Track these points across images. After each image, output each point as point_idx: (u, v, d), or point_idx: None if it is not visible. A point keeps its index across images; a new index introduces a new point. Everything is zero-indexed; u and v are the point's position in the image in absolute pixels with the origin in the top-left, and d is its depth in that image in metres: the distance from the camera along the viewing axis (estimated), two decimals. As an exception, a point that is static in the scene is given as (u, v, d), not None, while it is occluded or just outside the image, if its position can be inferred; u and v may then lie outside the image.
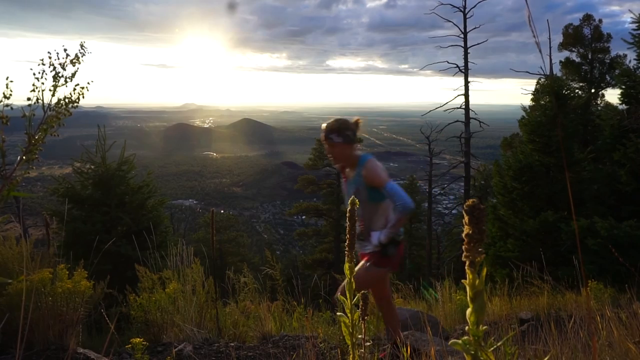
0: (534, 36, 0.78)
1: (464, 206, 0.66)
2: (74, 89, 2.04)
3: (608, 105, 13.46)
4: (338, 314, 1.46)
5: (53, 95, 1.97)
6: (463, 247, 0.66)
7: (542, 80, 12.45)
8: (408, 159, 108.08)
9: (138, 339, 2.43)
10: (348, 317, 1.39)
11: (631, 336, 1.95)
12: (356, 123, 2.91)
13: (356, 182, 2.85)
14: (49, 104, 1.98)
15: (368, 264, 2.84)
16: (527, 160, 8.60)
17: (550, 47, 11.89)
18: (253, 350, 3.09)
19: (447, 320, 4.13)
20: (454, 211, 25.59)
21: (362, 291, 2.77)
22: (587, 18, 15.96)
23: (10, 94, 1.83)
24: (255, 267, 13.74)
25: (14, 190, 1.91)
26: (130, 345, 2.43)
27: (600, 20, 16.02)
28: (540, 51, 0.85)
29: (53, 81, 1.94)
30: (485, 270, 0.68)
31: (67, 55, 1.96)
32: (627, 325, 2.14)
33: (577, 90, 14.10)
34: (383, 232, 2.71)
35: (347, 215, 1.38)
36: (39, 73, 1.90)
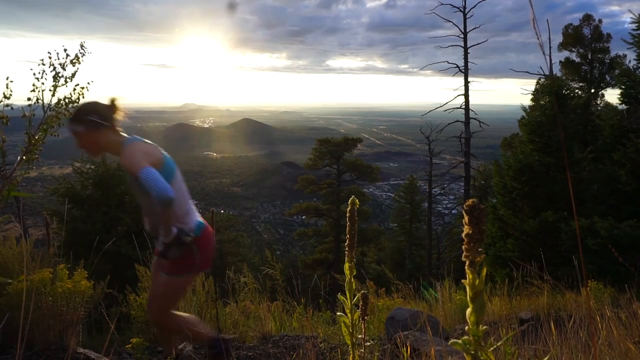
0: (538, 37, 0.78)
1: (464, 206, 0.66)
2: (74, 89, 2.04)
3: (608, 105, 13.45)
4: (338, 314, 1.46)
5: (53, 95, 1.97)
6: (463, 247, 0.66)
7: (542, 80, 12.46)
8: (408, 159, 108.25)
9: (138, 339, 2.43)
10: (348, 317, 1.39)
11: (631, 336, 1.95)
12: (109, 104, 2.35)
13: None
14: (49, 104, 1.98)
15: (163, 273, 2.41)
16: (527, 160, 8.60)
17: (550, 47, 11.89)
18: (253, 350, 3.09)
19: (447, 320, 4.13)
20: (454, 211, 25.59)
21: (158, 309, 2.45)
22: (587, 18, 15.95)
23: (10, 94, 1.83)
24: (255, 267, 13.73)
25: (14, 190, 1.91)
26: (130, 345, 2.43)
27: (600, 20, 16.01)
28: (543, 52, 0.85)
29: (53, 81, 1.94)
30: (485, 270, 0.68)
31: (67, 55, 1.96)
32: (627, 325, 2.14)
33: (577, 90, 14.09)
34: (162, 231, 2.24)
35: (347, 215, 1.38)
36: (39, 73, 1.90)
